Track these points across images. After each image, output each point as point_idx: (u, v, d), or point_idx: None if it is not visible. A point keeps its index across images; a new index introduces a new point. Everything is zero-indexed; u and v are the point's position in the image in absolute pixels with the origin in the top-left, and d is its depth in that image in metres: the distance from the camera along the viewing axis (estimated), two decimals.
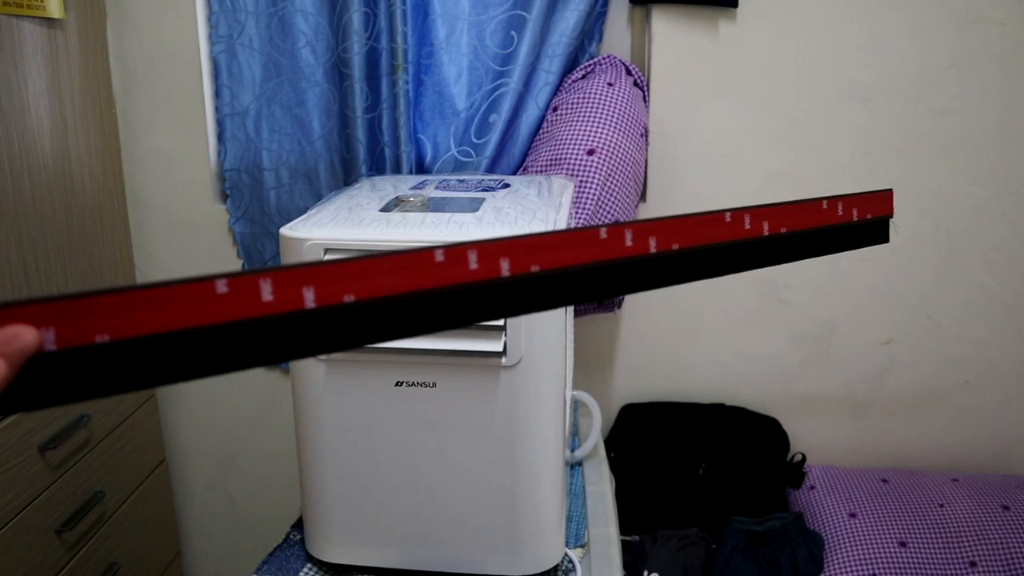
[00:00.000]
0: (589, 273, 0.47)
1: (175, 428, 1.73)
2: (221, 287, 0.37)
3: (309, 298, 0.39)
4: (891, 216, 0.63)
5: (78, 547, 1.39)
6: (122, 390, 0.36)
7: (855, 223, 0.61)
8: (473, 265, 0.42)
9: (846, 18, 1.46)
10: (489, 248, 0.43)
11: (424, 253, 0.41)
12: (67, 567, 1.36)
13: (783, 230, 0.55)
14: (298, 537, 1.07)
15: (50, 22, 1.31)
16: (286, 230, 0.90)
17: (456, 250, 0.42)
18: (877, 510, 1.46)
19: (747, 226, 0.53)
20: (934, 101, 1.48)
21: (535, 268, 0.45)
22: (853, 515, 1.46)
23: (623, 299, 1.42)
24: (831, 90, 1.49)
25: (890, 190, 0.63)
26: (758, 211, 0.54)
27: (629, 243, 0.48)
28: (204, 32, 1.52)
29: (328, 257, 0.87)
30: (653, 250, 0.49)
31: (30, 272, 1.27)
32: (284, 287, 0.38)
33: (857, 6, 1.45)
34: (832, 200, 0.59)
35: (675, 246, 0.50)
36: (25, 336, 0.34)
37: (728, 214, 0.53)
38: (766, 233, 0.55)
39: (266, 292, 0.38)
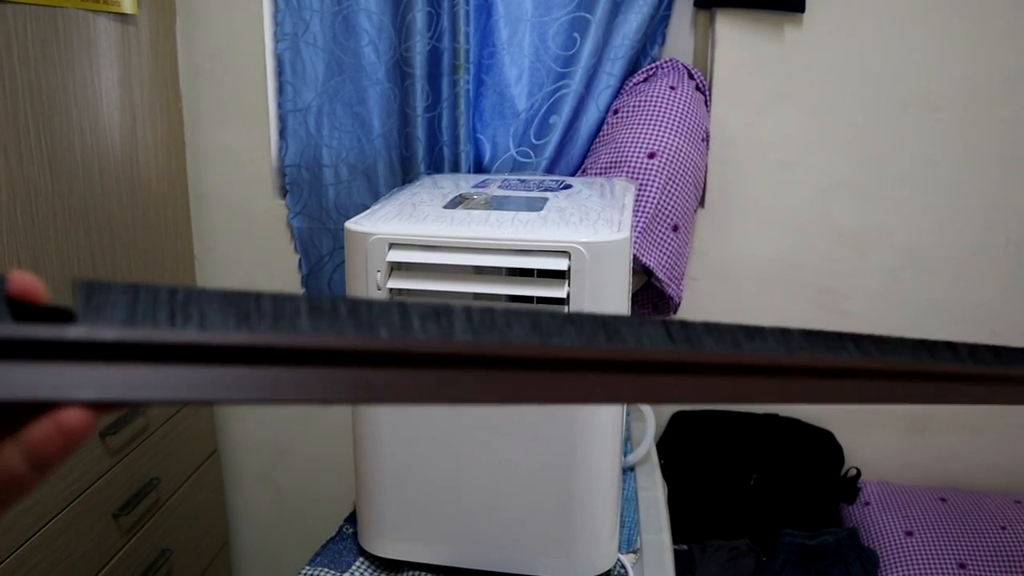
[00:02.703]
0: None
1: (227, 419, 1.76)
2: None
3: None
4: None
5: (133, 532, 1.42)
6: None
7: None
8: None
9: (915, 25, 1.42)
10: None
11: None
12: (122, 551, 1.38)
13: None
14: (351, 531, 1.08)
15: (123, 17, 1.34)
16: (351, 224, 0.90)
17: None
18: (935, 529, 1.42)
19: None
20: (1005, 111, 1.44)
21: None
22: (910, 533, 1.42)
23: (679, 303, 1.41)
24: (898, 98, 1.45)
25: None
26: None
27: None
28: (269, 30, 1.54)
29: (395, 254, 0.87)
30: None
31: (96, 259, 1.30)
32: None
33: (926, 13, 1.42)
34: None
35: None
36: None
37: None
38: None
39: None
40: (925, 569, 1.35)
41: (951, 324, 1.54)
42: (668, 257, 1.35)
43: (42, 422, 0.27)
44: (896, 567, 1.37)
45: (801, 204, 1.51)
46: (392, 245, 0.88)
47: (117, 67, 1.33)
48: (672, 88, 1.39)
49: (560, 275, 0.86)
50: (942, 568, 1.35)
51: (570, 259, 0.84)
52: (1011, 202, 1.48)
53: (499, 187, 1.11)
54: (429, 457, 0.95)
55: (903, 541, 1.41)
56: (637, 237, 1.30)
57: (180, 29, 1.54)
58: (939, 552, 1.37)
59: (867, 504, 1.52)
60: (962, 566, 1.35)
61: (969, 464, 1.60)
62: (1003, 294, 1.52)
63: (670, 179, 1.33)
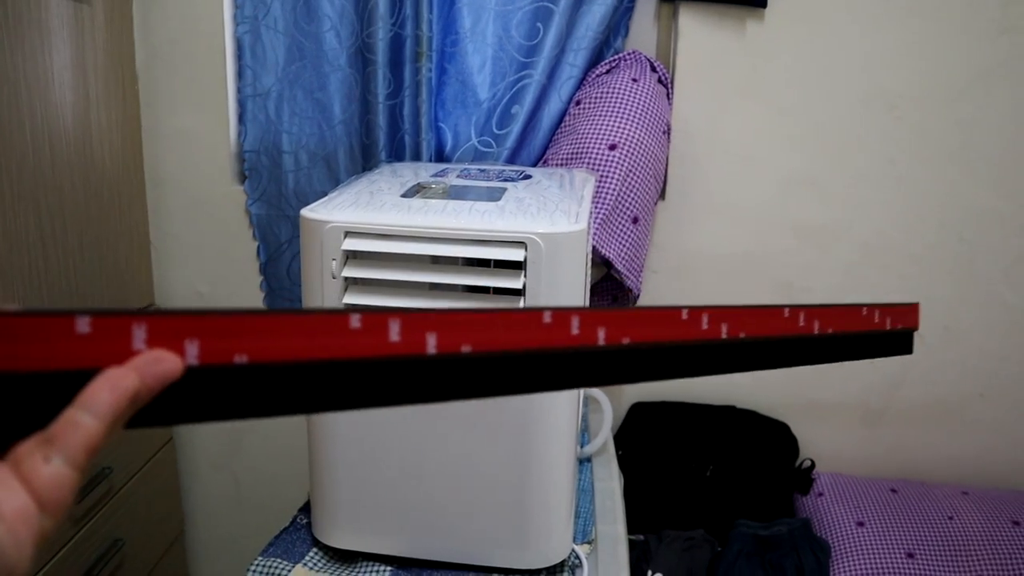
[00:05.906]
0: (526, 361, 0.42)
1: None
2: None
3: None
4: (916, 329, 0.61)
5: (84, 521, 1.39)
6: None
7: (877, 333, 0.58)
8: (394, 337, 0.38)
9: (876, 24, 1.44)
10: (415, 321, 0.39)
11: (339, 317, 0.37)
12: (73, 540, 1.36)
13: (743, 335, 0.50)
14: (305, 521, 1.07)
15: None
16: (307, 212, 0.89)
17: (376, 318, 0.38)
18: (885, 520, 1.45)
19: (704, 326, 0.48)
20: (961, 111, 1.47)
21: (465, 348, 0.40)
22: (861, 524, 1.45)
23: (638, 296, 1.42)
24: (857, 96, 1.47)
25: (916, 304, 0.62)
26: (717, 312, 0.49)
27: (575, 331, 0.43)
28: (229, 12, 1.52)
29: (350, 242, 0.86)
30: (601, 342, 0.44)
31: (47, 243, 1.27)
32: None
33: (888, 12, 1.43)
34: (847, 309, 0.55)
35: (626, 340, 0.45)
36: (168, 363, 0.34)
37: (685, 311, 0.48)
38: (724, 336, 0.49)
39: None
40: (875, 559, 1.38)
41: None
42: (628, 249, 1.36)
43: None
44: (847, 557, 1.39)
45: (760, 198, 1.53)
46: (348, 233, 0.87)
47: (70, 48, 1.30)
48: (634, 80, 1.39)
49: (517, 266, 0.85)
50: (891, 557, 1.37)
51: (527, 250, 0.84)
52: (964, 200, 1.51)
53: (458, 176, 1.11)
54: (384, 447, 0.94)
55: (854, 531, 1.43)
56: (597, 229, 1.30)
57: (137, 10, 1.51)
58: (889, 542, 1.40)
59: (820, 495, 1.55)
60: (910, 555, 1.38)
61: (920, 456, 1.64)
62: (955, 290, 1.55)
63: (630, 171, 1.33)
